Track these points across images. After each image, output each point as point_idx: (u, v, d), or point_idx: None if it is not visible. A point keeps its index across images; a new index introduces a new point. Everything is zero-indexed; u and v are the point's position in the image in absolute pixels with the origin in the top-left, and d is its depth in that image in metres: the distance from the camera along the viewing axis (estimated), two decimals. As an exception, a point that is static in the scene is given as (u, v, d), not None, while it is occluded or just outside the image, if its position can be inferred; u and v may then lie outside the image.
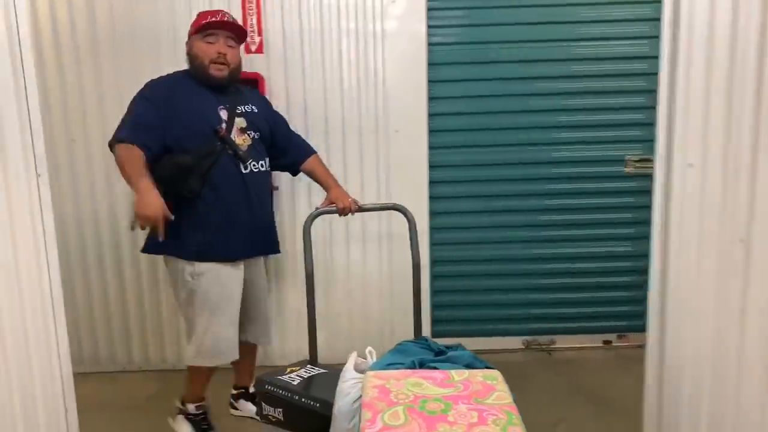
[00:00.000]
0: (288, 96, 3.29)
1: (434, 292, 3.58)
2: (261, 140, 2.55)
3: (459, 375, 1.71)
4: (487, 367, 1.85)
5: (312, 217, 2.53)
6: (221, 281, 2.45)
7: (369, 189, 3.37)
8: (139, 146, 2.27)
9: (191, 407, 2.65)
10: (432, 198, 3.45)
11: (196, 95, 2.42)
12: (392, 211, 2.83)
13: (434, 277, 3.56)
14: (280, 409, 2.22)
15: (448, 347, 2.04)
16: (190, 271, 2.43)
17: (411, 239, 2.58)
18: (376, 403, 1.54)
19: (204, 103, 2.42)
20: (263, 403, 2.28)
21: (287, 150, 2.71)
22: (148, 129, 2.31)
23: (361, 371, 2.09)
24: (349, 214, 2.60)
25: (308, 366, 2.47)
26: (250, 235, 2.53)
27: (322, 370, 2.38)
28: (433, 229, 3.49)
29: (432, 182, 3.44)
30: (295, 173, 2.82)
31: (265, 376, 2.30)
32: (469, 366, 1.92)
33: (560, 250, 3.57)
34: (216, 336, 2.46)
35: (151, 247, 2.50)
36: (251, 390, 2.84)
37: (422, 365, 1.88)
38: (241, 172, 2.44)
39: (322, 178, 2.70)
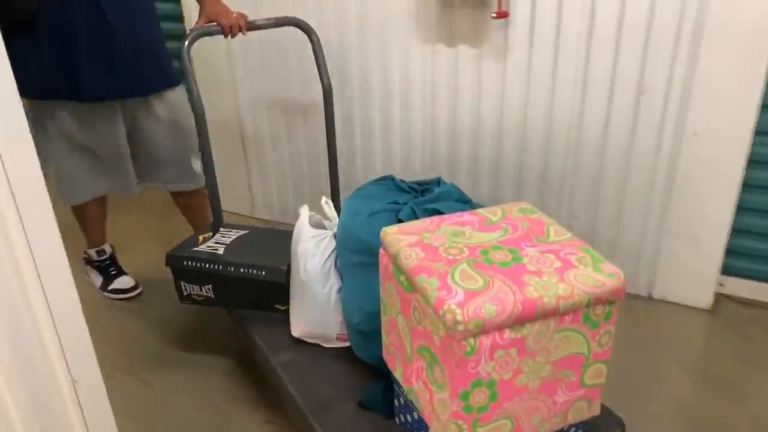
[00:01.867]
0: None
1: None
2: None
3: (492, 214, 1.40)
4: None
5: (190, 40, 1.87)
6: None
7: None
8: None
9: (92, 253, 2.51)
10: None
11: None
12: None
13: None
14: (209, 286, 1.86)
15: (421, 183, 1.70)
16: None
17: (317, 61, 2.14)
18: (432, 265, 1.18)
19: None
20: (183, 283, 1.90)
21: None
22: None
23: (321, 227, 1.71)
24: (239, 33, 2.02)
25: (222, 230, 1.99)
26: (112, 72, 2.01)
27: (243, 231, 1.95)
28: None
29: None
30: None
31: (176, 251, 1.91)
32: (460, 200, 1.64)
33: None
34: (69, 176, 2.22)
35: None
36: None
37: (416, 209, 1.54)
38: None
39: None
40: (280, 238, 1.85)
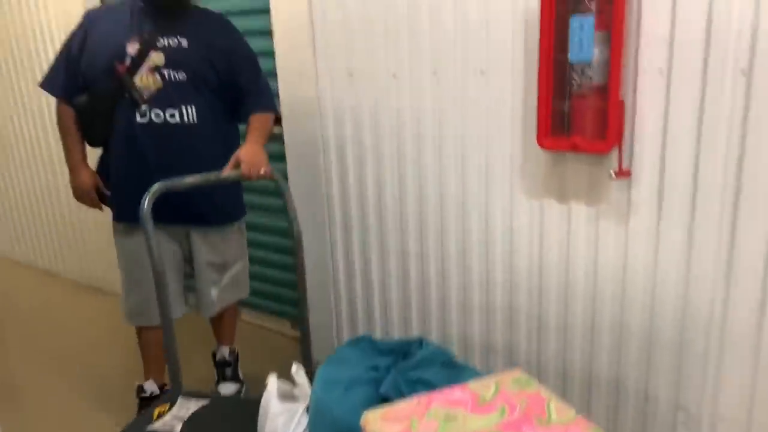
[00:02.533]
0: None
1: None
2: (191, 83, 1.99)
3: (486, 388, 1.25)
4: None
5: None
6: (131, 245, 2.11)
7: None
8: (63, 99, 2.07)
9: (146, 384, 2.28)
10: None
11: (117, 23, 1.98)
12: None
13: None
14: None
15: (402, 344, 1.56)
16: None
17: (288, 207, 1.98)
18: None
19: (117, 32, 1.97)
20: None
21: (242, 100, 2.11)
22: (66, 72, 2.04)
23: (291, 398, 1.53)
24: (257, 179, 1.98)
25: (181, 400, 1.78)
26: (166, 198, 1.87)
27: (204, 402, 1.77)
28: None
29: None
30: None
31: (129, 429, 1.71)
32: (446, 365, 1.49)
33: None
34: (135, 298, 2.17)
35: None
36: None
37: (399, 380, 1.38)
38: (136, 121, 1.96)
39: (247, 134, 2.08)
40: (246, 410, 1.64)
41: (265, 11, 2.39)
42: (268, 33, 2.41)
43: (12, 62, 3.55)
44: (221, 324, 2.42)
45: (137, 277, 2.09)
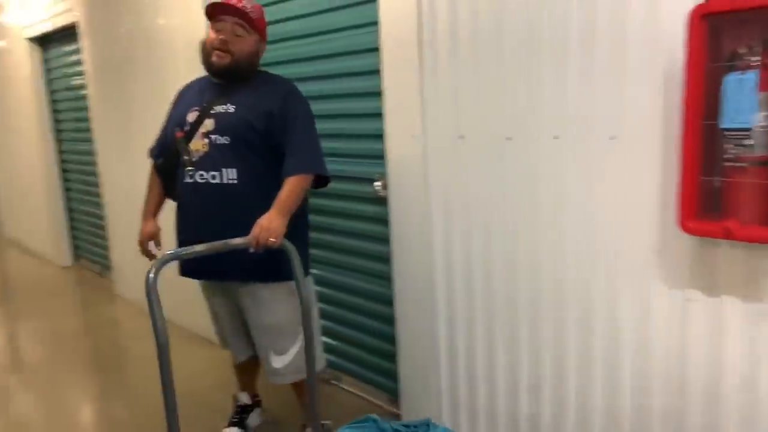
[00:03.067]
0: None
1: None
2: (233, 146, 2.06)
3: None
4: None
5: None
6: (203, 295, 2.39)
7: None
8: (152, 160, 2.32)
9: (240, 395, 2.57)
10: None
11: (192, 95, 2.21)
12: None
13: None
14: None
15: (408, 426, 1.58)
16: None
17: (295, 277, 1.94)
18: None
19: (189, 103, 2.18)
20: None
21: (285, 160, 2.07)
22: (159, 139, 2.31)
23: None
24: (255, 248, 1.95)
25: None
26: (211, 255, 1.93)
27: None
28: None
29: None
30: None
31: None
32: None
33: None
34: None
35: None
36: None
37: None
38: (185, 181, 2.12)
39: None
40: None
41: (375, 72, 2.30)
42: (377, 94, 2.32)
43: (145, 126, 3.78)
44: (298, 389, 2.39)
45: (212, 316, 2.39)
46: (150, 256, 2.29)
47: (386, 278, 2.47)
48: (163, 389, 1.70)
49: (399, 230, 2.27)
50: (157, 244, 2.31)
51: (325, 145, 2.57)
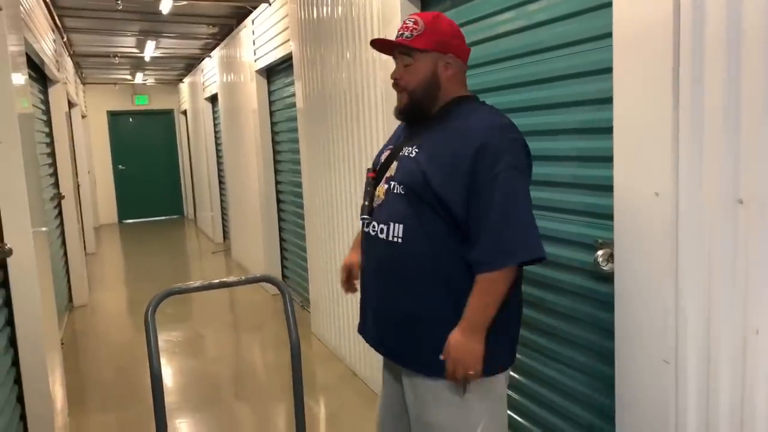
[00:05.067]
0: None
1: None
2: (406, 197, 1.60)
3: None
4: None
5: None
6: None
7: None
8: None
9: None
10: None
11: (396, 132, 1.84)
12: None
13: None
14: None
15: None
16: None
17: (287, 315, 1.89)
18: None
19: (389, 140, 1.85)
20: None
21: (471, 236, 1.53)
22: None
23: None
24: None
25: None
26: (374, 320, 1.73)
27: None
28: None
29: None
30: None
31: None
32: None
33: None
34: None
35: None
36: None
37: None
38: (364, 230, 1.74)
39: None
40: None
41: (602, 101, 1.68)
42: (604, 131, 1.69)
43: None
44: None
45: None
46: (345, 286, 1.93)
47: (605, 381, 1.80)
48: (155, 415, 1.77)
49: (627, 322, 1.59)
50: (354, 277, 1.90)
51: (532, 194, 2.00)
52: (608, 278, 1.70)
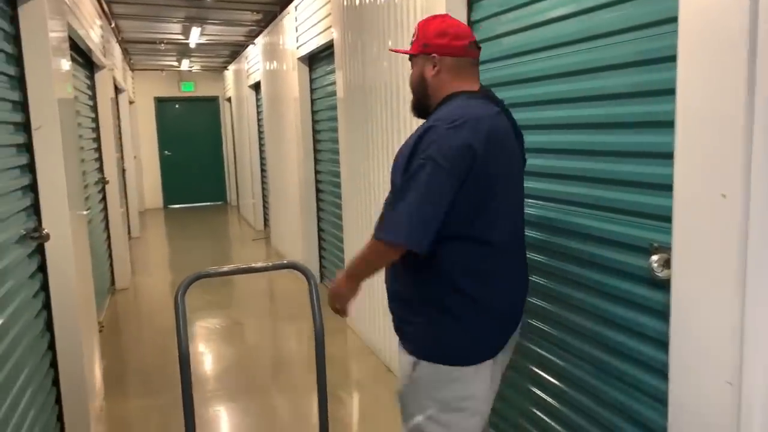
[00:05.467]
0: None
1: None
2: None
3: None
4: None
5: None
6: None
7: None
8: None
9: None
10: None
11: None
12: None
13: None
14: None
15: None
16: None
17: (312, 302, 1.96)
18: None
19: None
20: None
21: None
22: None
23: None
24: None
25: None
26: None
27: None
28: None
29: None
30: None
31: None
32: None
33: None
34: None
35: None
36: None
37: None
38: None
39: None
40: None
41: (663, 92, 1.54)
42: (664, 125, 1.55)
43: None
44: None
45: None
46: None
47: (656, 397, 1.66)
48: (183, 395, 1.84)
49: (684, 335, 1.45)
50: None
51: (579, 191, 1.86)
52: (663, 285, 1.56)
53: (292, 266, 2.04)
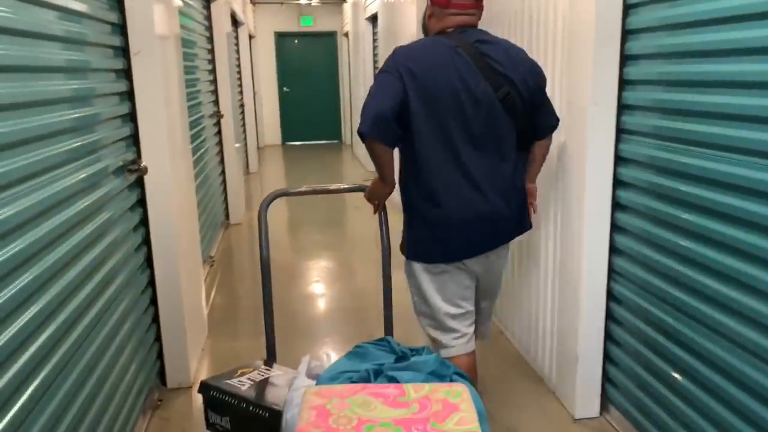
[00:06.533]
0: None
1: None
2: None
3: (416, 390, 1.37)
4: (456, 375, 1.59)
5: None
6: None
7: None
8: None
9: None
10: None
11: None
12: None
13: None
14: (227, 417, 1.81)
15: (413, 350, 1.67)
16: None
17: (380, 223, 2.18)
18: (311, 430, 1.22)
19: None
20: (209, 410, 1.85)
21: None
22: None
23: (315, 377, 1.72)
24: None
25: (263, 367, 1.95)
26: None
27: (278, 372, 1.92)
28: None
29: None
30: None
31: (211, 379, 1.88)
32: (433, 374, 1.54)
33: None
34: None
35: None
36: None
37: (378, 374, 1.54)
38: None
39: None
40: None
41: None
42: None
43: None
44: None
45: None
46: None
47: None
48: (263, 300, 2.13)
49: None
50: None
51: (718, 131, 1.43)
52: None
53: (360, 189, 2.18)
